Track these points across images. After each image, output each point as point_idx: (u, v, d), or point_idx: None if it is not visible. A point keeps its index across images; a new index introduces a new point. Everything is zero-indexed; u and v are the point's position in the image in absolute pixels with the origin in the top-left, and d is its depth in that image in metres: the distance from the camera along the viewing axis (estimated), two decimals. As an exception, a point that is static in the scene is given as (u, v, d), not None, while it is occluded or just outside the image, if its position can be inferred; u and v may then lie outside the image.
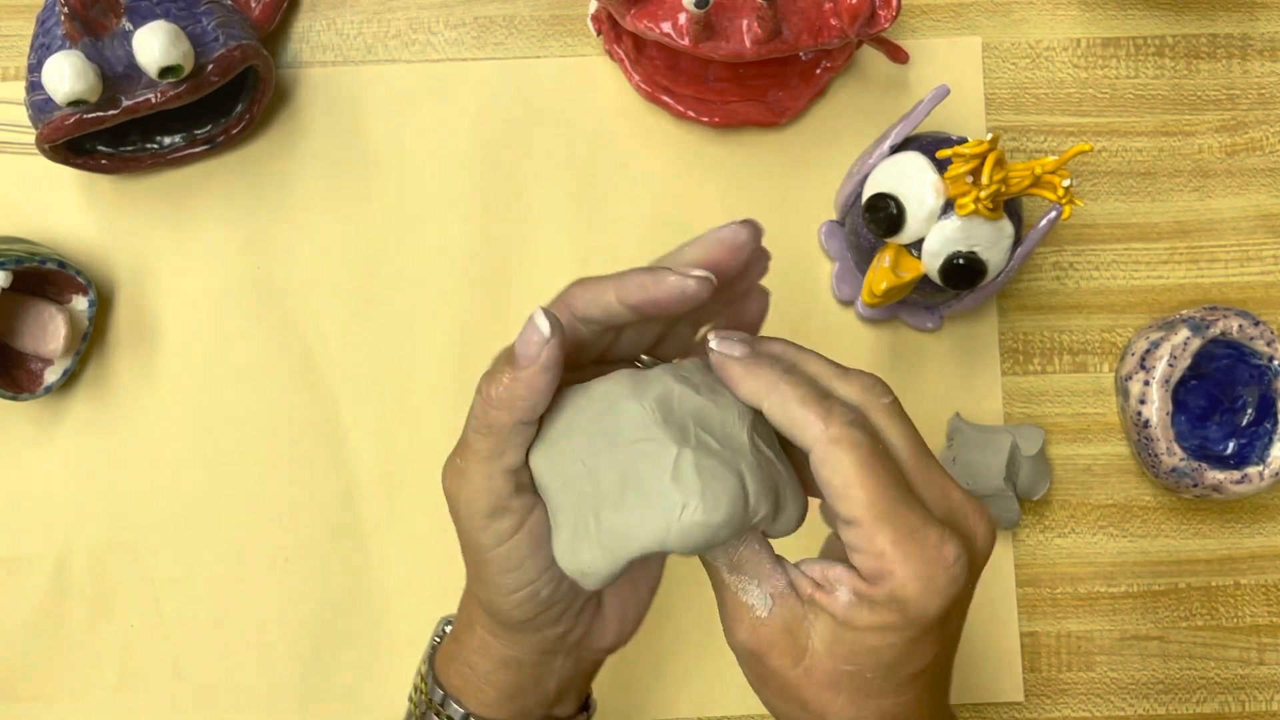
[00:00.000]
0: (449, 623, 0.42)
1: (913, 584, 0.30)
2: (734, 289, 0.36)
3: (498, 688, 0.38)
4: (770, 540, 0.33)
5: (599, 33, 0.57)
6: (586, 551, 0.32)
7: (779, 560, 0.33)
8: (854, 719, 0.31)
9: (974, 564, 0.32)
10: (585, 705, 0.42)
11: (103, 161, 0.54)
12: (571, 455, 0.32)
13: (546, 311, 0.32)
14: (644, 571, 0.39)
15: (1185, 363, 0.54)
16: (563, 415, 0.33)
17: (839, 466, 0.30)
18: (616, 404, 0.32)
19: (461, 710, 0.38)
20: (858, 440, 0.30)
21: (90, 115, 0.49)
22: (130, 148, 0.55)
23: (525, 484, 0.34)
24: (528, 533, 0.34)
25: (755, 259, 0.35)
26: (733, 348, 0.33)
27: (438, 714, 0.39)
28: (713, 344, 0.33)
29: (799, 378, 0.32)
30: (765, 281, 0.37)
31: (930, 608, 0.30)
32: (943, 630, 0.31)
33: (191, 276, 0.57)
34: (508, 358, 0.33)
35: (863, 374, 0.33)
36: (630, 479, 0.31)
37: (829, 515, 0.33)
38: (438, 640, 0.42)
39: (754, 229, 0.34)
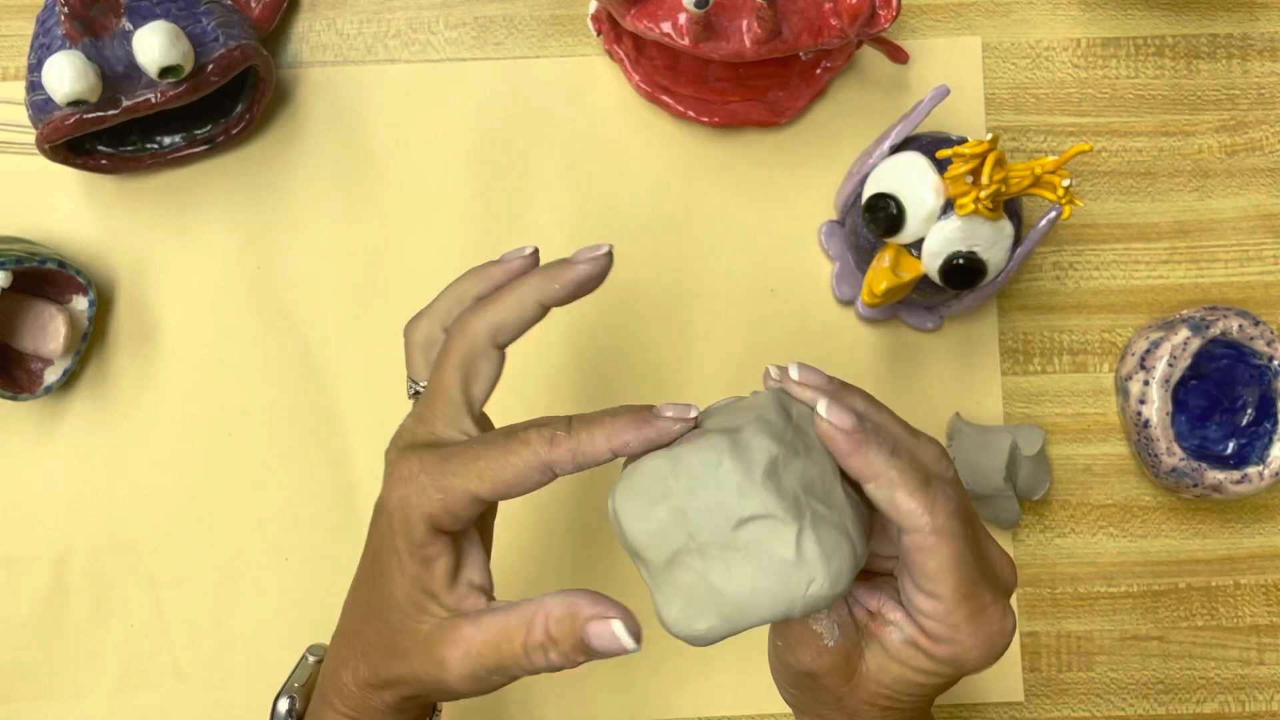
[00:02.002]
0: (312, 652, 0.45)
1: (976, 651, 0.34)
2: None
3: None
4: None
5: (599, 33, 0.57)
6: (703, 620, 0.33)
7: None
8: None
9: None
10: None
11: (103, 161, 0.54)
12: (673, 526, 0.33)
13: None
14: None
15: (1185, 363, 0.54)
16: (656, 482, 0.33)
17: (939, 556, 0.33)
18: (721, 475, 0.33)
19: None
20: (958, 533, 0.34)
21: (90, 115, 0.49)
22: (130, 148, 0.55)
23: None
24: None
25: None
26: (841, 417, 0.34)
27: None
28: (821, 411, 0.34)
29: (903, 461, 0.34)
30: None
31: (984, 665, 0.35)
32: None
33: (191, 276, 0.57)
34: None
35: (932, 441, 0.36)
36: (750, 553, 0.33)
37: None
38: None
39: (608, 253, 0.37)
